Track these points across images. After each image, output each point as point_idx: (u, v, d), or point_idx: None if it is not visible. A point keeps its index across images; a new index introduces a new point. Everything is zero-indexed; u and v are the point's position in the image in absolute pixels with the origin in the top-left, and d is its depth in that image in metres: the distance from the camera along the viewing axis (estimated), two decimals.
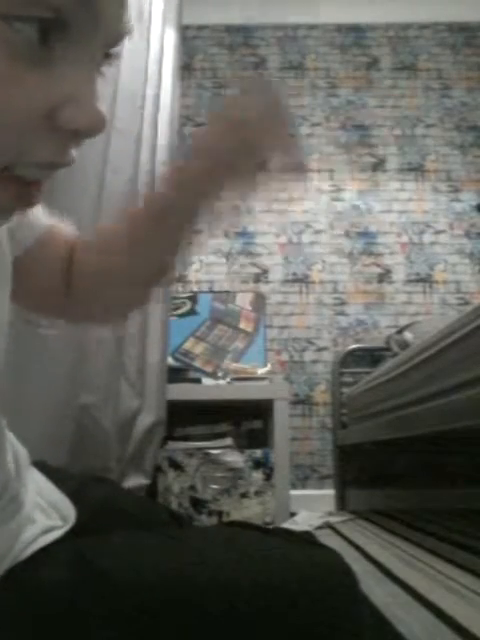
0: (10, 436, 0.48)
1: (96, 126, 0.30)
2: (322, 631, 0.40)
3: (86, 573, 0.40)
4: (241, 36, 3.05)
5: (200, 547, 0.45)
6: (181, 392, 2.07)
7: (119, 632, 0.38)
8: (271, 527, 0.50)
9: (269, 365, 2.50)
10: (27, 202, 0.32)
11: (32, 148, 0.29)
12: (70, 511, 0.52)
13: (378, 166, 2.92)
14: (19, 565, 0.42)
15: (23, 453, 0.50)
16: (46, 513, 0.48)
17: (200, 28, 3.02)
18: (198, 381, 2.22)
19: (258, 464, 1.98)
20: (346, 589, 0.43)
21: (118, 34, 0.32)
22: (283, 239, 2.83)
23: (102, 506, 0.57)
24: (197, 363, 2.54)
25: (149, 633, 0.38)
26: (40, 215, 0.54)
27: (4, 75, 0.26)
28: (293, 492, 2.25)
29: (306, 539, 0.51)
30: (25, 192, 0.31)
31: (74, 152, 0.32)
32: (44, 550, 0.44)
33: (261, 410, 2.24)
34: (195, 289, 2.74)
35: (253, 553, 0.44)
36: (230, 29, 3.04)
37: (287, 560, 0.44)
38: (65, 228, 0.57)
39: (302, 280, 2.79)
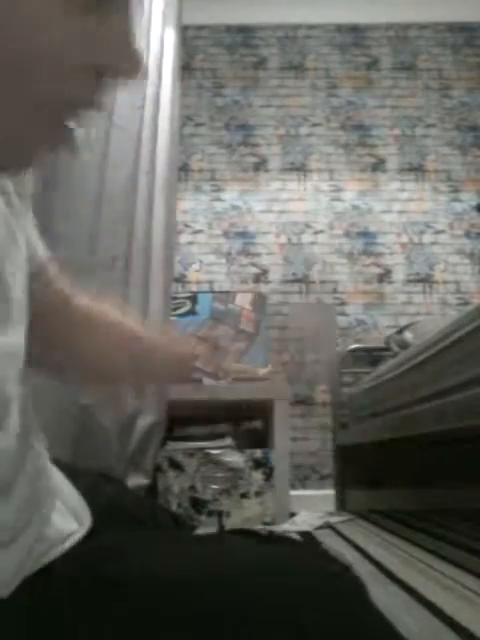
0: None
1: (133, 66, 0.32)
2: None
3: (98, 583, 0.40)
4: (241, 36, 3.05)
5: (205, 557, 0.45)
6: (181, 392, 2.07)
7: None
8: (277, 535, 0.50)
9: (270, 365, 2.50)
10: (59, 139, 0.35)
11: (73, 86, 0.31)
12: (85, 513, 0.52)
13: (378, 166, 2.92)
14: (34, 575, 0.42)
15: (44, 452, 0.50)
16: (62, 515, 0.48)
17: (200, 28, 3.02)
18: (198, 381, 2.22)
19: (258, 464, 1.98)
20: (355, 600, 0.43)
21: None
22: (283, 239, 2.83)
23: (110, 506, 0.58)
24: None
25: None
26: (40, 248, 0.55)
27: (59, 22, 0.29)
28: (293, 492, 2.25)
29: (314, 547, 0.51)
30: (60, 129, 0.33)
31: (103, 98, 0.34)
32: (58, 558, 0.44)
33: (261, 410, 2.24)
34: (195, 289, 2.74)
35: (259, 562, 0.44)
36: (230, 29, 3.04)
37: (295, 569, 0.43)
38: (60, 276, 0.59)
39: (302, 280, 2.79)
